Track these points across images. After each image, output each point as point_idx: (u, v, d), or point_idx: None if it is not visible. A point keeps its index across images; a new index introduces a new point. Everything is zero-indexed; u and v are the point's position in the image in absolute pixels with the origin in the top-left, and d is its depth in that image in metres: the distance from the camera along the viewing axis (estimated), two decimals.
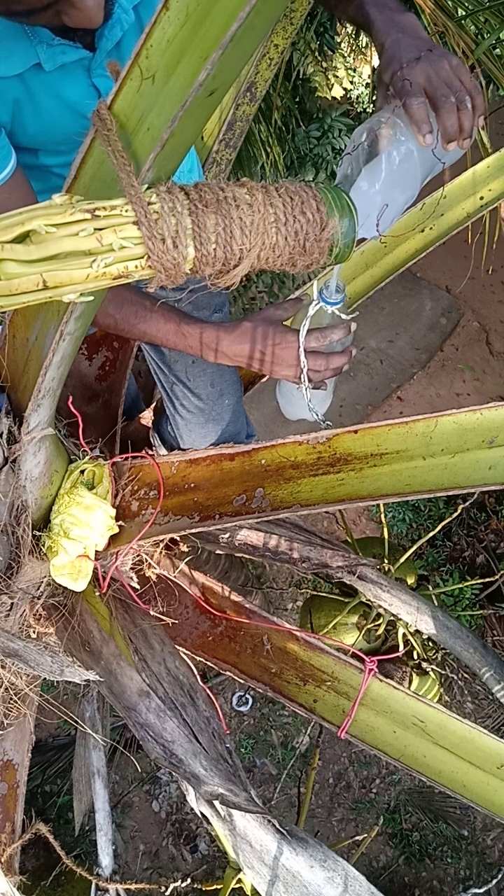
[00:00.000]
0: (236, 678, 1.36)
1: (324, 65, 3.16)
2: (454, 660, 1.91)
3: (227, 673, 1.36)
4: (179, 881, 1.42)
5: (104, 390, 1.50)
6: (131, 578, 1.26)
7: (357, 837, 2.62)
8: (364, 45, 3.27)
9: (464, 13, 1.99)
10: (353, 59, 3.62)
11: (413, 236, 1.43)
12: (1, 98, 0.92)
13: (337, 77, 3.57)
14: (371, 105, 3.78)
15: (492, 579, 2.56)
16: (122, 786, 3.31)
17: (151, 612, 1.30)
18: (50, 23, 0.83)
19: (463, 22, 1.98)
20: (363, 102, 3.90)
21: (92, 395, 1.50)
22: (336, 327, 1.04)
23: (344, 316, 1.04)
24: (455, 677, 2.20)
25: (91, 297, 0.63)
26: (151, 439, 1.55)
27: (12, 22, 0.84)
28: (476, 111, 0.86)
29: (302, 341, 1.03)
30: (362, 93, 3.88)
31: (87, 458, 1.24)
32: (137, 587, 1.27)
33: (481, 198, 1.40)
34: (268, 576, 3.52)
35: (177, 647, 1.30)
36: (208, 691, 1.23)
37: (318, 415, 1.16)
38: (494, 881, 1.82)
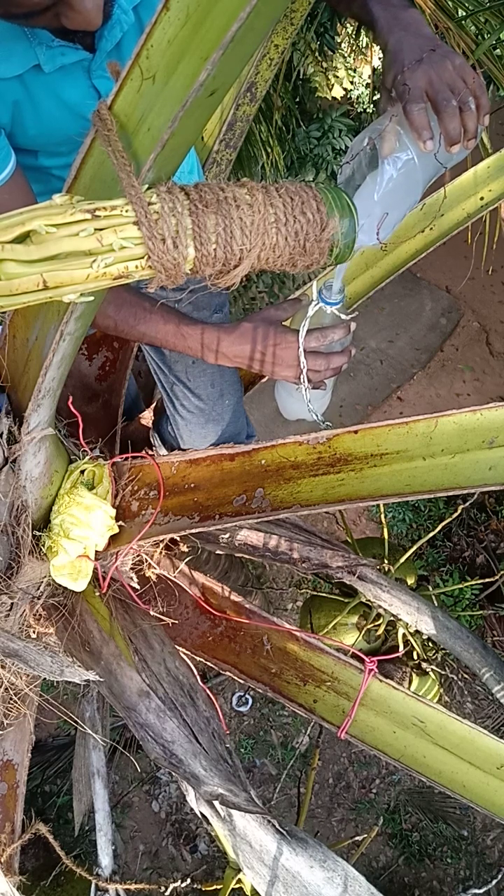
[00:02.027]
0: (236, 678, 1.36)
1: (324, 65, 3.16)
2: (454, 660, 1.91)
3: (227, 673, 1.36)
4: (179, 881, 1.42)
5: (104, 390, 1.50)
6: (131, 578, 1.26)
7: (357, 838, 2.61)
8: (364, 45, 3.26)
9: (464, 14, 1.99)
10: (354, 59, 3.62)
11: (413, 236, 1.43)
12: (1, 99, 0.92)
13: (337, 77, 3.57)
14: (371, 105, 3.78)
15: (492, 580, 2.56)
16: (122, 786, 3.31)
17: (151, 613, 1.30)
18: (49, 25, 0.83)
19: (463, 22, 1.98)
20: (363, 103, 3.90)
21: (92, 395, 1.50)
22: (336, 327, 1.04)
23: (343, 316, 1.04)
24: (455, 677, 2.20)
25: (91, 298, 0.63)
26: (151, 439, 1.55)
27: (11, 24, 0.84)
28: (480, 111, 0.85)
29: (302, 341, 1.03)
30: (362, 93, 3.88)
31: (87, 458, 1.24)
32: (137, 587, 1.27)
33: (481, 198, 1.40)
34: (268, 576, 3.52)
35: (177, 647, 1.30)
36: (208, 691, 1.23)
37: (317, 415, 1.16)
38: (494, 881, 1.81)
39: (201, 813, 1.09)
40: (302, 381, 1.07)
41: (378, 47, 0.95)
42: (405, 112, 0.85)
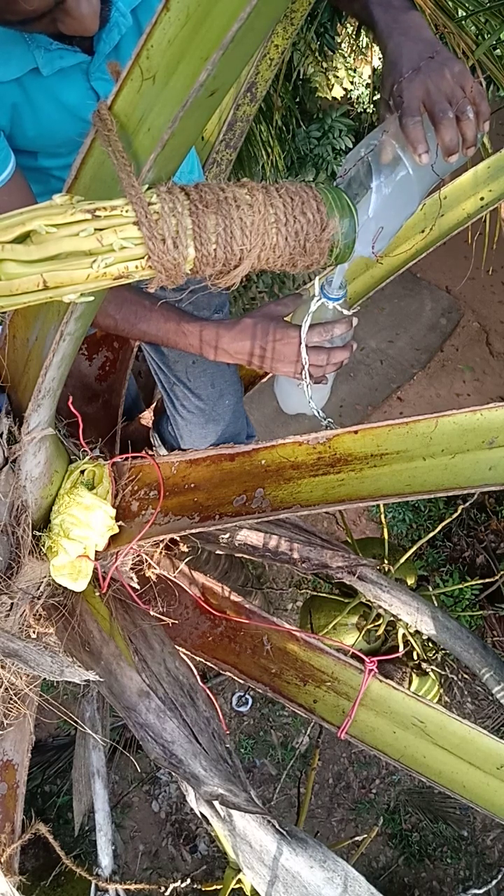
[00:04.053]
0: (236, 678, 1.36)
1: (324, 65, 3.16)
2: (454, 660, 1.91)
3: (227, 673, 1.36)
4: (179, 881, 1.42)
5: (104, 390, 1.50)
6: (131, 578, 1.26)
7: (357, 838, 2.62)
8: (364, 45, 3.27)
9: (464, 14, 1.99)
10: (354, 59, 3.62)
11: (413, 237, 1.43)
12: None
13: (337, 77, 3.57)
14: (371, 105, 3.78)
15: (492, 580, 2.56)
16: (122, 786, 3.31)
17: (151, 613, 1.30)
18: (45, 30, 0.84)
19: (463, 23, 1.98)
20: (363, 103, 3.90)
21: (92, 395, 1.50)
22: (338, 322, 1.04)
23: (346, 311, 1.03)
24: (455, 678, 2.20)
25: (91, 298, 0.63)
26: (151, 439, 1.55)
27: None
28: (480, 118, 0.83)
29: (304, 337, 1.03)
30: (363, 93, 3.88)
31: (87, 458, 1.24)
32: (137, 587, 1.27)
33: (481, 198, 1.40)
34: (268, 576, 3.52)
35: (177, 647, 1.30)
36: (208, 691, 1.23)
37: (317, 410, 1.16)
38: (494, 882, 1.81)
39: (201, 813, 1.09)
40: (303, 376, 1.07)
41: (378, 48, 0.93)
42: (401, 125, 0.83)
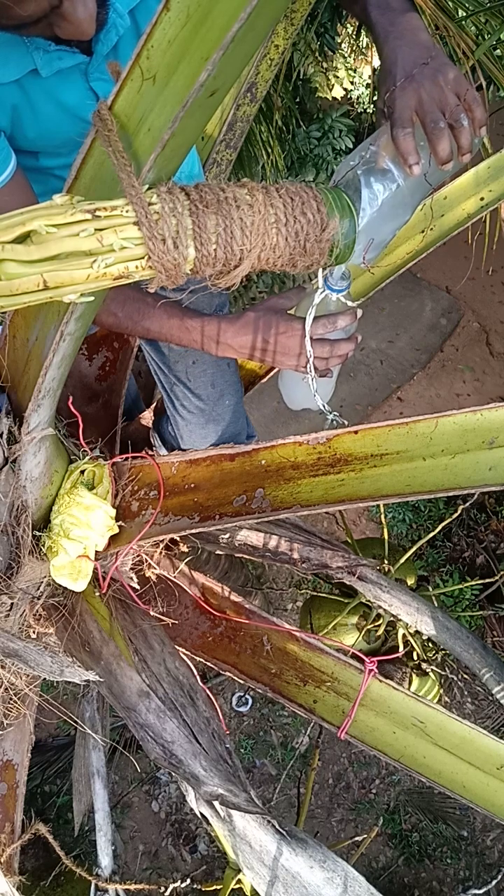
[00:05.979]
0: (236, 678, 1.36)
1: (324, 65, 3.17)
2: (454, 660, 1.91)
3: (227, 673, 1.36)
4: (179, 881, 1.42)
5: (104, 390, 1.50)
6: (131, 579, 1.27)
7: (357, 838, 2.62)
8: (364, 45, 3.27)
9: (464, 14, 1.99)
10: (354, 59, 3.62)
11: (413, 237, 1.43)
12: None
13: (337, 77, 3.57)
14: (372, 105, 3.78)
15: (492, 580, 2.56)
16: (122, 786, 3.31)
17: (151, 613, 1.30)
18: (42, 34, 0.84)
19: (463, 23, 1.98)
20: (364, 103, 3.90)
21: (92, 396, 1.50)
22: (343, 314, 1.02)
23: (350, 303, 1.02)
24: (455, 678, 2.20)
25: (91, 298, 0.63)
26: (151, 439, 1.55)
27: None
28: (475, 124, 0.82)
29: (308, 329, 1.02)
30: (363, 93, 3.88)
31: (88, 458, 1.24)
32: (137, 587, 1.27)
33: (482, 198, 1.40)
34: (268, 576, 3.52)
35: (177, 647, 1.30)
36: (208, 692, 1.23)
37: (323, 404, 1.15)
38: (494, 882, 1.81)
39: (201, 813, 1.09)
40: (308, 369, 1.06)
41: (377, 52, 0.93)
42: (392, 137, 0.82)
